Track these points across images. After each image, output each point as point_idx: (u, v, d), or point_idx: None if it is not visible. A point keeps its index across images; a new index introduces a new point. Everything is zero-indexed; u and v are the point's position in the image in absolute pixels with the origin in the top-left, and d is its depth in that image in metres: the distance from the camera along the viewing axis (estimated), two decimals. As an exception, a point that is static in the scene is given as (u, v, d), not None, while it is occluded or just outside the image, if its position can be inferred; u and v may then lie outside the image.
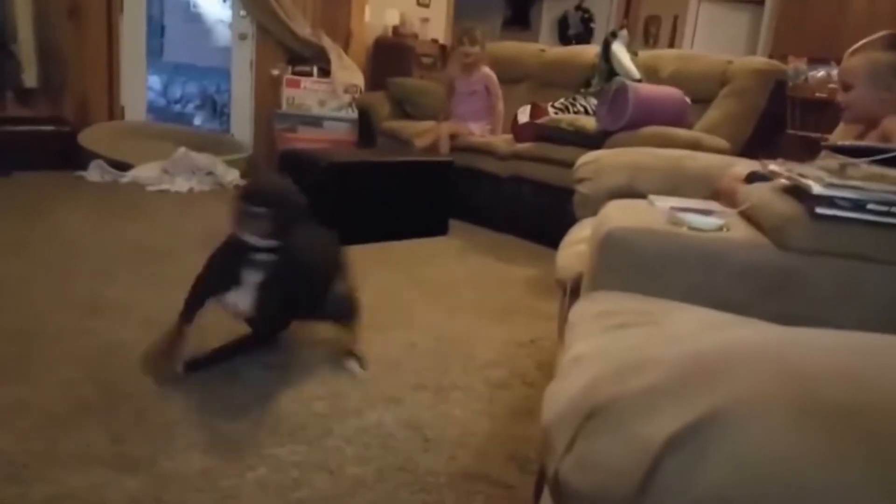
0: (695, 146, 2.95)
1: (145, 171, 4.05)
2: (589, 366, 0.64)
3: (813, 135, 4.45)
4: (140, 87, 4.85)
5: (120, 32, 4.57)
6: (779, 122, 3.51)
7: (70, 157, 4.10)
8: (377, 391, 1.75)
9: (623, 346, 0.71)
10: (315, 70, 4.66)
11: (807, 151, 2.05)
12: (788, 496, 0.41)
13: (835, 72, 5.72)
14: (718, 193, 1.77)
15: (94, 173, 4.02)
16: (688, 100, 3.32)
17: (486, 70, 4.02)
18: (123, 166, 4.08)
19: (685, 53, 4.21)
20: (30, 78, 4.17)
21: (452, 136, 3.84)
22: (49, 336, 1.90)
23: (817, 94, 5.62)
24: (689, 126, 3.29)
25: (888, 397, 0.44)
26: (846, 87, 1.78)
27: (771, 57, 7.71)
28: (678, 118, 3.23)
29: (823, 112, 5.22)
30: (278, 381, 1.75)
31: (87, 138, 4.19)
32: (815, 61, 6.22)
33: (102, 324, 2.01)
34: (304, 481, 1.34)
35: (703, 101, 3.46)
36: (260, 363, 1.83)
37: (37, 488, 1.25)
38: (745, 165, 1.77)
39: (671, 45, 8.90)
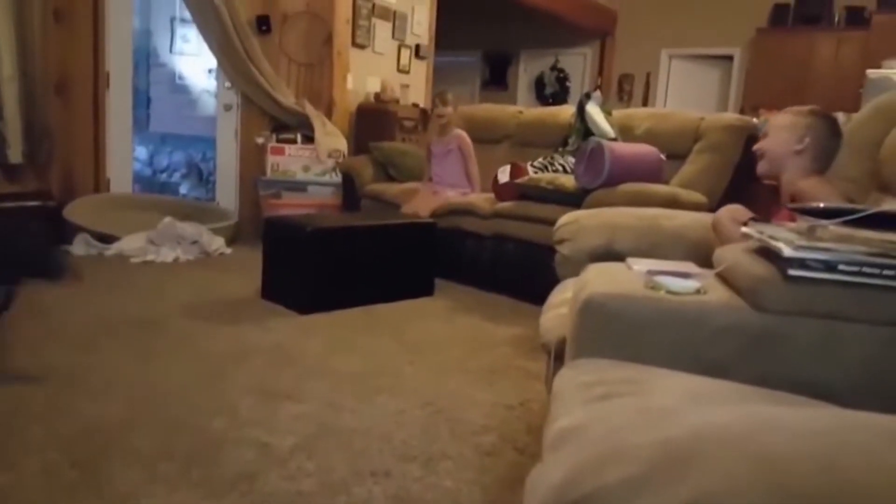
0: (672, 201, 3.02)
1: (130, 243, 4.06)
2: (571, 449, 0.65)
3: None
4: (126, 159, 4.91)
5: (106, 106, 4.65)
6: (751, 174, 3.58)
7: (56, 231, 4.11)
8: (365, 464, 1.72)
9: (604, 427, 0.72)
10: (299, 137, 4.74)
11: (777, 200, 2.12)
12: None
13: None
14: (715, 227, 1.83)
15: (79, 247, 4.02)
16: (663, 156, 3.41)
17: (458, 131, 4.15)
18: (109, 239, 4.09)
19: (658, 111, 4.34)
20: (15, 154, 4.20)
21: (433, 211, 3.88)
22: (31, 415, 1.87)
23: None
24: (666, 181, 3.37)
25: (857, 477, 0.45)
26: (764, 137, 1.96)
27: (742, 110, 7.98)
28: (654, 174, 3.30)
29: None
30: (264, 456, 1.72)
31: (73, 212, 4.21)
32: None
33: (86, 402, 1.98)
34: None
35: (677, 156, 3.55)
36: (250, 439, 1.81)
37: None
38: (742, 209, 1.82)
39: (645, 101, 9.17)
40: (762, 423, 0.56)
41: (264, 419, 1.94)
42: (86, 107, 4.57)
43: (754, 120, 4.71)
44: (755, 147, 2.02)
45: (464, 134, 4.14)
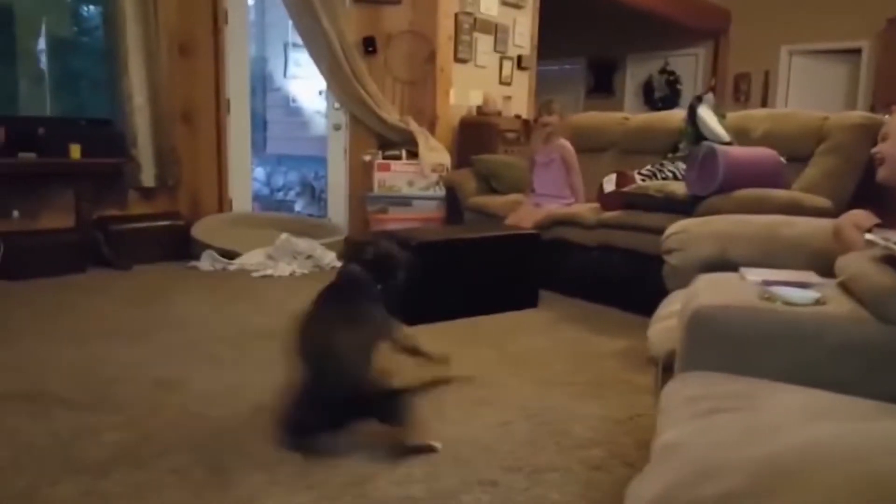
0: (794, 206, 2.84)
1: (251, 258, 4.31)
2: (672, 463, 0.63)
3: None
4: (246, 180, 5.23)
5: (228, 131, 4.98)
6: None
7: (184, 248, 4.44)
8: (472, 474, 1.74)
9: (709, 440, 0.69)
10: (404, 153, 4.87)
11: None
12: None
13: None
14: (836, 234, 1.69)
15: (206, 263, 4.32)
16: (783, 159, 3.22)
17: (563, 141, 4.09)
18: (232, 254, 4.37)
19: (776, 112, 4.11)
20: (148, 178, 4.59)
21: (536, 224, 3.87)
22: (163, 420, 2.03)
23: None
24: (787, 186, 3.18)
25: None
26: (884, 139, 1.72)
27: (873, 107, 7.40)
28: (773, 179, 3.13)
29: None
30: (375, 462, 1.77)
31: (199, 230, 4.54)
32: (922, 108, 5.91)
33: (214, 409, 2.12)
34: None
35: (799, 159, 3.34)
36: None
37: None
38: (866, 215, 1.69)
39: (763, 101, 8.69)
40: (873, 442, 0.52)
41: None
42: (209, 132, 4.92)
43: (885, 118, 4.37)
44: (873, 150, 1.80)
45: (567, 144, 4.10)
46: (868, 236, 1.19)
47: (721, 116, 3.73)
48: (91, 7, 5.38)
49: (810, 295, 1.14)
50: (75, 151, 4.11)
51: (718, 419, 0.82)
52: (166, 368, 2.48)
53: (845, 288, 1.20)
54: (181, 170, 4.77)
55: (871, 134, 3.24)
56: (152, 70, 4.51)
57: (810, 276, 1.29)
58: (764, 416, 0.81)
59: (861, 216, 1.65)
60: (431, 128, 5.02)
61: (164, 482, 1.67)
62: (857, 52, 8.20)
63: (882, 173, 1.79)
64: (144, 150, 4.55)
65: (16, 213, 4.14)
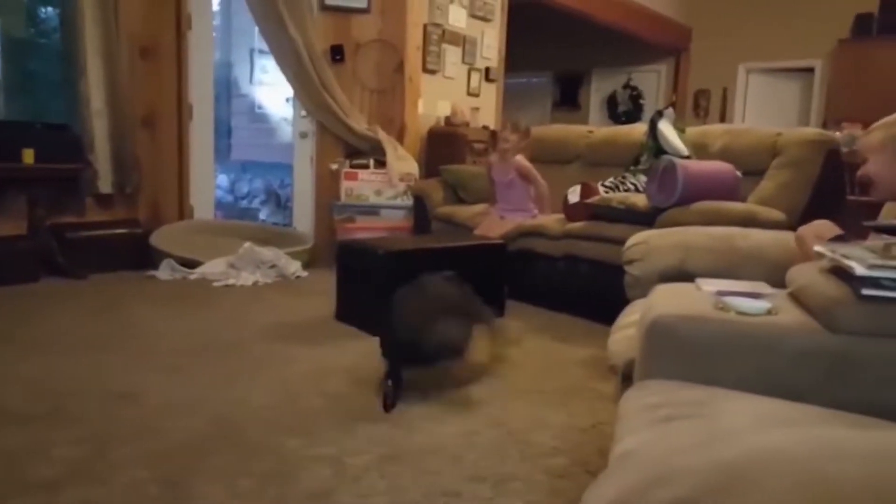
0: (749, 218, 2.93)
1: (212, 267, 4.25)
2: (625, 470, 0.65)
3: (874, 201, 4.32)
4: (208, 187, 5.17)
5: (190, 137, 4.92)
6: (837, 191, 3.44)
7: (142, 257, 4.36)
8: (436, 485, 1.74)
9: (663, 447, 0.71)
10: (371, 162, 4.87)
11: (867, 218, 2.01)
12: None
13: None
14: (798, 243, 1.72)
15: (165, 272, 4.24)
16: (739, 173, 3.31)
17: (519, 158, 4.08)
18: (192, 263, 4.30)
19: (733, 128, 4.22)
20: (105, 184, 4.49)
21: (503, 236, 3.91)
22: (119, 434, 1.98)
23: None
24: (742, 199, 3.27)
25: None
26: (863, 161, 1.77)
27: (825, 124, 7.66)
28: (730, 192, 3.21)
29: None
30: (338, 475, 1.77)
31: (158, 238, 4.45)
32: (870, 126, 6.12)
33: (173, 422, 2.09)
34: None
35: (755, 173, 3.44)
36: (314, 454, 1.86)
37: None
38: (829, 226, 1.72)
39: (722, 117, 8.92)
40: (821, 447, 0.55)
41: (338, 438, 1.99)
42: (170, 138, 4.85)
43: (836, 134, 4.52)
44: (858, 174, 1.80)
45: (521, 159, 4.09)
46: (817, 248, 1.24)
47: (680, 131, 3.81)
48: (49, 8, 5.27)
49: (762, 305, 1.18)
50: (28, 156, 3.99)
51: (674, 427, 0.84)
52: (123, 380, 2.43)
53: (795, 298, 1.24)
54: (141, 176, 4.68)
55: (823, 149, 3.37)
56: (112, 74, 4.43)
57: (763, 287, 1.33)
58: (718, 424, 0.83)
59: (823, 226, 1.69)
60: (400, 137, 5.03)
61: (119, 498, 1.64)
62: (810, 70, 8.48)
63: (876, 195, 1.79)
64: (102, 156, 4.45)
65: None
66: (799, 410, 0.95)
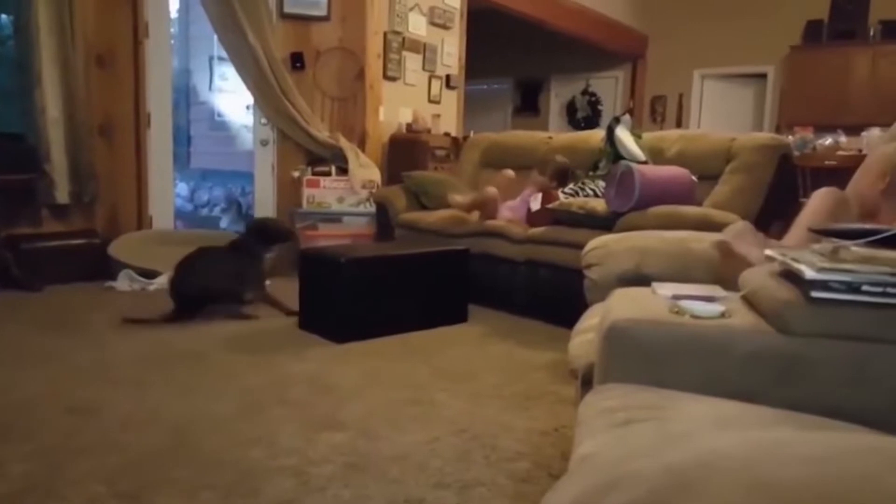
0: (705, 222, 3.00)
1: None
2: (581, 475, 0.66)
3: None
4: (167, 196, 5.08)
5: (148, 146, 4.83)
6: (790, 193, 3.55)
7: (100, 268, 4.26)
8: (400, 492, 1.74)
9: (619, 451, 0.73)
10: (333, 169, 4.85)
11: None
12: None
13: (842, 139, 5.80)
14: (724, 251, 1.78)
15: (123, 283, 4.15)
16: (694, 178, 3.39)
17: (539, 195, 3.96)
18: (151, 274, 4.22)
19: (688, 133, 4.32)
20: (62, 195, 4.39)
21: (482, 205, 3.92)
22: (79, 448, 1.94)
23: (826, 162, 5.68)
24: (698, 203, 3.35)
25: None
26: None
27: (778, 128, 7.88)
28: (686, 196, 3.29)
29: (834, 180, 5.26)
30: (302, 485, 1.75)
31: (117, 249, 4.36)
32: (821, 130, 6.32)
33: (132, 435, 2.05)
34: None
35: (710, 178, 3.53)
36: (277, 466, 1.85)
37: None
38: (751, 230, 1.77)
39: (678, 122, 9.12)
40: (766, 449, 0.57)
41: (302, 448, 1.98)
42: (128, 147, 4.76)
43: (789, 138, 4.66)
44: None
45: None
46: (767, 251, 1.28)
47: (637, 137, 3.89)
48: (2, 16, 5.13)
49: (716, 308, 1.21)
50: (-19, 166, 3.90)
51: (631, 430, 0.86)
52: (80, 393, 2.38)
53: (748, 301, 1.28)
54: (98, 186, 4.59)
55: (776, 153, 3.47)
56: (68, 82, 4.34)
57: (716, 290, 1.37)
58: (673, 426, 0.86)
59: (746, 230, 1.74)
60: (361, 144, 5.02)
61: (78, 513, 1.60)
62: (763, 76, 8.74)
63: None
64: (59, 166, 4.35)
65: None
66: (751, 411, 0.98)
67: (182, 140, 7.17)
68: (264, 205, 5.18)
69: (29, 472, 1.79)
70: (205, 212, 7.41)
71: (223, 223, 7.03)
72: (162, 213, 4.98)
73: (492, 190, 4.05)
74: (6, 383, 2.46)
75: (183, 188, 7.39)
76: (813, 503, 0.47)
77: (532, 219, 3.77)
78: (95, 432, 2.06)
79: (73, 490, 1.70)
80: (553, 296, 3.51)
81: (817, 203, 1.68)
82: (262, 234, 3.67)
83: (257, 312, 3.56)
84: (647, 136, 4.00)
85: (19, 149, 4.17)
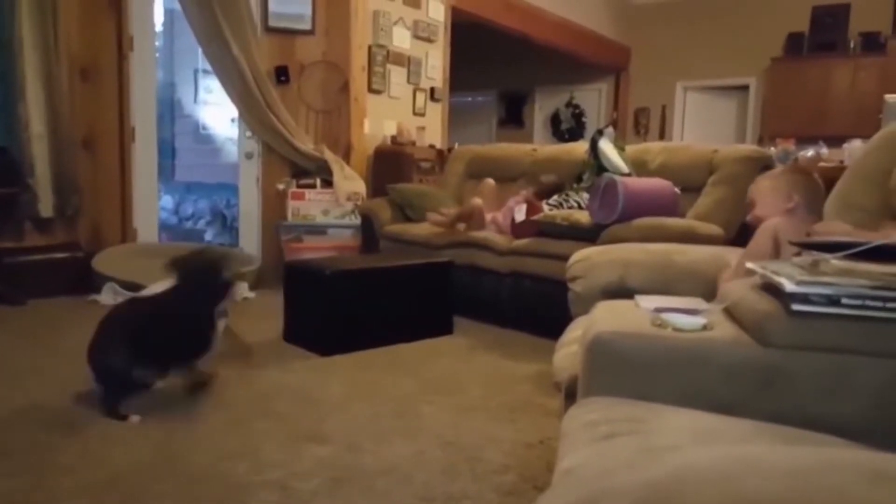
0: (688, 234, 3.03)
1: (156, 291, 4.13)
2: (562, 490, 0.67)
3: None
4: (152, 209, 5.05)
5: (132, 159, 4.81)
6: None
7: (84, 281, 4.22)
8: (386, 505, 1.74)
9: (601, 465, 0.74)
10: (318, 182, 4.85)
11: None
12: None
13: (824, 150, 5.88)
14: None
15: (108, 296, 4.11)
16: (677, 190, 3.43)
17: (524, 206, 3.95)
18: (136, 287, 4.17)
19: (671, 145, 4.37)
20: (46, 208, 4.36)
21: (468, 217, 3.92)
22: (61, 465, 1.92)
23: (808, 173, 5.72)
24: (681, 215, 3.39)
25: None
26: (752, 206, 2.03)
27: (760, 139, 7.98)
28: (669, 208, 3.32)
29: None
30: (287, 499, 1.74)
31: (100, 262, 4.32)
32: (803, 141, 6.41)
33: (116, 450, 2.03)
34: None
35: (692, 189, 3.57)
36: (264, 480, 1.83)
37: None
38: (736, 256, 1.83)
39: (661, 134, 9.21)
40: (743, 464, 0.58)
41: (287, 462, 1.97)
42: (112, 161, 4.73)
43: (771, 150, 4.72)
44: (748, 219, 2.06)
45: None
46: (748, 265, 1.30)
47: (621, 149, 3.93)
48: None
49: (698, 321, 1.22)
50: (-37, 180, 3.86)
51: (613, 444, 0.87)
52: (62, 409, 2.35)
53: (729, 314, 1.29)
54: (82, 199, 4.56)
55: (757, 165, 3.51)
56: (52, 96, 4.32)
57: (699, 303, 1.38)
58: (654, 440, 0.87)
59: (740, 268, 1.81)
60: (346, 157, 5.03)
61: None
62: (745, 88, 8.85)
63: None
64: (42, 179, 4.32)
65: None
66: (730, 424, 0.99)
67: (167, 153, 7.13)
68: (249, 217, 5.16)
69: (11, 489, 1.77)
70: (189, 224, 7.36)
71: (208, 236, 6.99)
72: (146, 225, 4.95)
73: (477, 201, 4.08)
74: (-14, 400, 2.43)
75: (168, 201, 7.34)
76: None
77: (516, 230, 3.79)
78: (78, 448, 2.04)
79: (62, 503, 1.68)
80: (538, 307, 3.53)
81: (761, 240, 1.79)
82: (204, 282, 2.51)
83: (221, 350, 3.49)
84: (630, 148, 4.04)
85: (2, 162, 4.13)
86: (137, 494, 1.76)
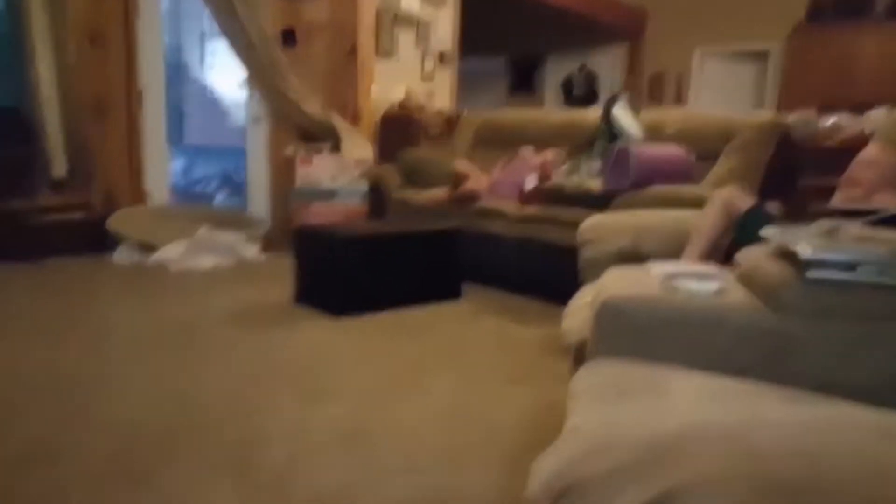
0: (703, 202, 2.98)
1: (170, 252, 4.17)
2: (568, 443, 0.67)
3: (828, 184, 4.46)
4: (162, 171, 5.05)
5: (141, 122, 4.79)
6: (788, 174, 3.54)
7: (99, 242, 4.26)
8: (396, 462, 1.75)
9: (607, 422, 0.73)
10: (326, 147, 4.82)
11: (822, 201, 2.08)
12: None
13: (845, 120, 5.76)
14: (726, 202, 1.81)
15: (122, 256, 4.16)
16: (692, 157, 3.38)
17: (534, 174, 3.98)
18: (149, 248, 4.22)
19: (688, 111, 4.30)
20: (59, 170, 4.37)
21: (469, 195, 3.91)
22: (84, 421, 1.94)
23: (828, 143, 5.62)
24: (696, 182, 3.34)
25: (837, 475, 0.46)
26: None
27: (779, 107, 7.82)
28: (684, 175, 3.28)
29: (836, 160, 5.25)
30: (302, 453, 1.76)
31: (115, 223, 4.36)
32: (824, 110, 6.27)
33: (134, 405, 2.06)
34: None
35: (708, 157, 3.51)
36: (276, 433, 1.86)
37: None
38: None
39: (677, 100, 9.05)
40: (755, 420, 0.57)
41: (298, 418, 1.99)
42: (121, 124, 4.72)
43: (790, 117, 4.63)
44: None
45: None
46: (762, 232, 1.28)
47: (635, 115, 3.87)
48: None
49: (710, 286, 1.21)
50: (-22, 141, 3.88)
51: (622, 403, 0.87)
52: (81, 367, 2.38)
53: (743, 280, 1.28)
54: (93, 161, 4.56)
55: (775, 132, 3.46)
56: (61, 60, 4.32)
57: (711, 269, 1.37)
58: (663, 400, 0.86)
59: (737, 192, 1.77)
60: (354, 122, 4.98)
61: (82, 480, 1.61)
62: (765, 54, 8.66)
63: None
64: (54, 141, 4.34)
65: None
66: (742, 386, 0.98)
67: (175, 116, 7.11)
68: (258, 181, 5.16)
69: (35, 439, 1.80)
70: (199, 187, 7.37)
71: (217, 199, 7.01)
72: (158, 188, 4.96)
73: (462, 164, 4.03)
74: (7, 356, 2.47)
75: (177, 164, 7.34)
76: (801, 469, 0.48)
77: (526, 198, 3.76)
78: (95, 406, 2.06)
79: (76, 459, 1.72)
80: (547, 274, 3.51)
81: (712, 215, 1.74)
82: None
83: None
84: (645, 114, 3.98)
85: (15, 123, 4.15)
86: (153, 445, 1.80)
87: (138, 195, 4.82)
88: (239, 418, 1.99)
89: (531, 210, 3.64)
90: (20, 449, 1.78)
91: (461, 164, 4.11)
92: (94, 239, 4.28)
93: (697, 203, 2.88)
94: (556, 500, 0.56)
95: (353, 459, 1.76)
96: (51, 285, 3.57)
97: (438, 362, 2.56)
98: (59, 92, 4.32)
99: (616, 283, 1.27)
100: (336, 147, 4.78)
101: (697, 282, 1.23)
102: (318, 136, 4.86)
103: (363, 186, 4.72)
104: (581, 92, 9.64)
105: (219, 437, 1.87)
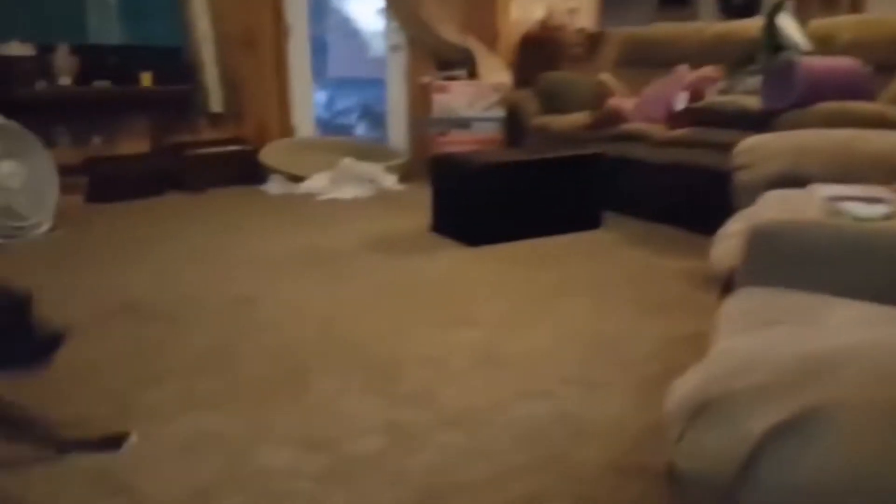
0: (879, 120, 2.67)
1: (316, 182, 4.41)
2: (711, 362, 0.65)
3: None
4: (308, 105, 5.27)
5: (288, 56, 4.99)
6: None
7: (252, 172, 4.57)
8: (529, 384, 1.79)
9: (752, 344, 0.70)
10: (463, 73, 4.78)
11: None
12: (882, 491, 0.41)
13: None
14: None
15: (273, 187, 4.46)
16: (868, 69, 3.01)
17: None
18: (298, 179, 4.48)
19: (866, 18, 3.80)
20: (216, 103, 4.69)
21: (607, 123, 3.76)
22: (241, 332, 2.15)
23: None
24: (872, 98, 2.98)
25: None
26: None
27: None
28: (858, 90, 2.93)
29: None
30: (438, 375, 1.85)
31: (266, 155, 4.65)
32: None
33: (286, 322, 2.25)
34: (464, 467, 1.42)
35: (888, 69, 3.11)
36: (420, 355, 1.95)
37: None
38: None
39: (853, 7, 8.03)
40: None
41: (436, 342, 2.08)
42: (270, 59, 4.94)
43: None
44: None
45: None
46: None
47: (802, 24, 3.48)
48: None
49: (879, 210, 1.10)
50: (146, 79, 4.25)
51: (773, 329, 0.82)
52: (239, 285, 2.62)
53: (921, 202, 1.15)
54: (246, 96, 4.84)
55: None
56: (213, -1, 4.55)
57: (882, 192, 1.23)
58: (815, 327, 0.81)
59: None
60: (492, 45, 4.88)
61: (245, 387, 1.79)
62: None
63: None
64: (211, 76, 4.63)
65: (96, 140, 4.34)
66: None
67: (318, 49, 7.32)
68: (397, 111, 5.25)
69: (201, 350, 2.03)
70: (341, 119, 7.63)
71: (358, 130, 7.22)
72: (303, 121, 5.19)
73: (607, 78, 3.81)
74: (175, 276, 2.76)
75: (320, 97, 7.61)
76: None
77: (675, 119, 3.54)
78: (254, 319, 2.27)
79: (241, 366, 1.92)
80: (694, 202, 3.32)
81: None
82: None
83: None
84: (815, 23, 3.57)
85: (178, 61, 4.47)
86: (305, 360, 1.95)
87: (287, 129, 5.08)
88: (379, 339, 2.11)
89: (680, 132, 3.43)
90: (197, 356, 2.01)
91: (607, 79, 3.92)
92: (248, 170, 4.59)
93: (873, 121, 2.59)
94: (694, 416, 0.55)
95: (488, 381, 1.81)
96: (209, 212, 3.92)
97: (575, 291, 2.54)
98: (213, 29, 4.57)
99: (773, 207, 1.18)
100: (472, 73, 4.73)
101: (866, 205, 1.11)
102: (455, 62, 4.83)
103: (500, 113, 4.66)
104: (741, 1, 8.80)
105: (364, 355, 2.00)
